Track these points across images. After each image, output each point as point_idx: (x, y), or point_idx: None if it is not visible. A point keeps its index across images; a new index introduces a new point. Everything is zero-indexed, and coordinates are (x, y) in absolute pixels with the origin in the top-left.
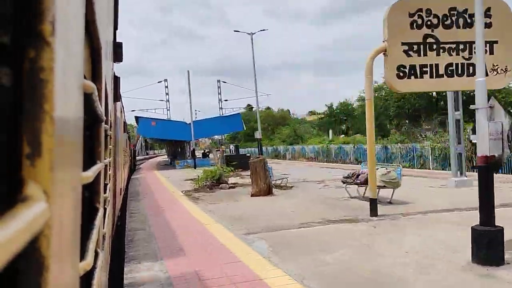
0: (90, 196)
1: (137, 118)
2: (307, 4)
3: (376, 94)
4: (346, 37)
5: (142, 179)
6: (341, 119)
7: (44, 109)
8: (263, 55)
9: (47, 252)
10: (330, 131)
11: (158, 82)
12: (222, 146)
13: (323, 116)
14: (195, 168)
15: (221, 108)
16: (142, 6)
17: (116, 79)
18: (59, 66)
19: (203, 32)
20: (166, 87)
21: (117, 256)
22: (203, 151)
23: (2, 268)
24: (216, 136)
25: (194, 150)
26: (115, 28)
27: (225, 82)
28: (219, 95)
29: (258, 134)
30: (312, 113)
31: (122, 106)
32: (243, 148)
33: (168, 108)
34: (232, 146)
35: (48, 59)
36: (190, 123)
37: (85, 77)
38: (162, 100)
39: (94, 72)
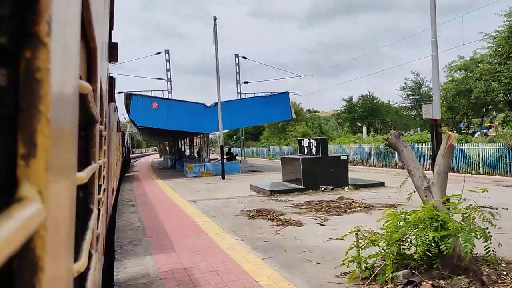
0: (84, 197)
1: (128, 96)
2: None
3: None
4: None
5: (139, 204)
6: (362, 115)
7: (40, 110)
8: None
9: (42, 253)
10: (364, 128)
11: (156, 53)
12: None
13: (340, 112)
14: (223, 178)
15: (240, 93)
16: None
17: (111, 80)
18: (55, 66)
19: (183, 29)
20: (168, 60)
21: (107, 255)
22: (227, 149)
23: None
24: (211, 135)
25: (228, 149)
26: (111, 28)
27: (245, 58)
28: (237, 75)
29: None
30: (309, 111)
31: (116, 106)
32: (235, 148)
33: (169, 89)
34: (228, 148)
35: (44, 59)
36: (211, 106)
37: (80, 78)
38: (161, 79)
39: (90, 72)
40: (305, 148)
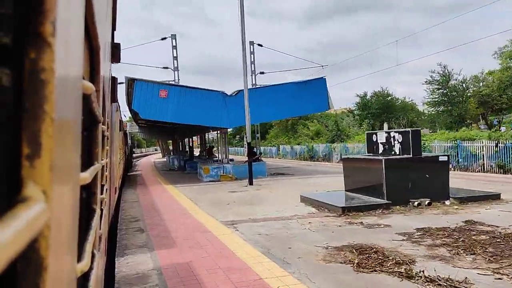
0: (87, 197)
1: (130, 82)
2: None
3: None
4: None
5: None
6: (376, 113)
7: (44, 110)
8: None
9: (46, 253)
10: (385, 125)
11: (162, 39)
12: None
13: (353, 109)
14: (251, 183)
15: (255, 85)
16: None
17: (113, 80)
18: (59, 66)
19: (182, 30)
20: (174, 47)
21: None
22: (253, 148)
23: (3, 269)
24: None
25: (251, 147)
26: (113, 28)
27: (260, 45)
28: (252, 65)
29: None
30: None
31: (118, 105)
32: (239, 147)
33: (176, 81)
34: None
35: (48, 60)
36: (233, 94)
37: (83, 78)
38: (167, 68)
39: (93, 73)
40: (381, 146)
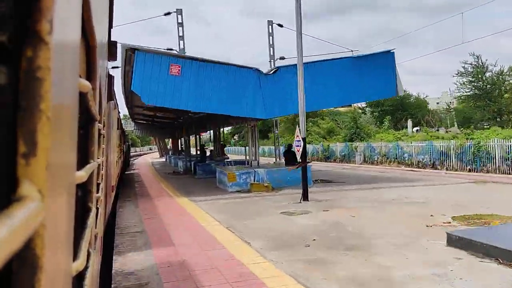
0: (83, 195)
1: (129, 53)
2: None
3: None
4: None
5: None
6: (389, 110)
7: (40, 108)
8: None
9: (42, 252)
10: (409, 122)
11: (166, 14)
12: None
13: (363, 106)
14: (306, 198)
15: (273, 69)
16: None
17: (110, 78)
18: (56, 65)
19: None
20: (180, 24)
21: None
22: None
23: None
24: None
25: (288, 146)
26: (110, 26)
27: (281, 26)
28: (271, 48)
29: None
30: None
31: (116, 103)
32: (241, 147)
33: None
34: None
35: (45, 58)
36: (271, 72)
37: (80, 76)
38: (171, 50)
39: (89, 71)
40: None
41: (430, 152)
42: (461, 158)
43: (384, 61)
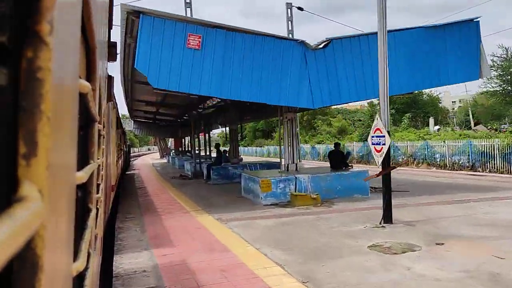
0: (83, 196)
1: (131, 17)
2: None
3: None
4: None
5: None
6: (401, 108)
7: (41, 109)
8: None
9: (42, 252)
10: (431, 120)
11: None
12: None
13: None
14: (389, 219)
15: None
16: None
17: (109, 78)
18: (56, 66)
19: None
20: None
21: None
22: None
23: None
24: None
25: (336, 145)
26: (110, 27)
27: (301, 9)
28: (290, 33)
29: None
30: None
31: (116, 102)
32: (243, 147)
33: None
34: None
35: (45, 59)
36: (320, 46)
37: (80, 77)
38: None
39: (89, 71)
40: None
41: (468, 153)
42: (509, 159)
43: (466, 33)
